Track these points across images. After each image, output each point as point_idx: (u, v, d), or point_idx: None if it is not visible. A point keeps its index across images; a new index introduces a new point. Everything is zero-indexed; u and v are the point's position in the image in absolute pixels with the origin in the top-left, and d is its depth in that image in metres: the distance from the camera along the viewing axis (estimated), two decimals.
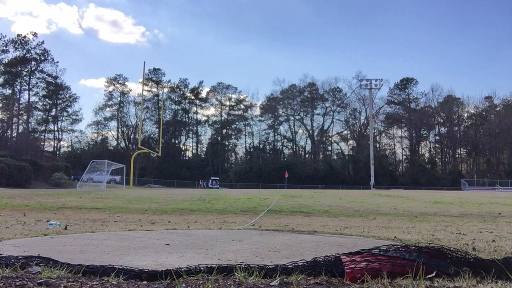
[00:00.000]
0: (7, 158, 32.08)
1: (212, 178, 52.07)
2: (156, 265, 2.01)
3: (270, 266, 1.76)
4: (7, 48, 57.14)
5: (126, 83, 67.96)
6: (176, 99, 70.08)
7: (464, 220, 6.90)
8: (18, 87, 58.63)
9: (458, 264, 1.73)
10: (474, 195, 18.49)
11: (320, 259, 1.81)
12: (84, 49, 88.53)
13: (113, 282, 1.58)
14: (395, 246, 1.83)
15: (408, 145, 69.74)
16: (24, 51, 58.04)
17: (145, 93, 62.07)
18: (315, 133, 69.96)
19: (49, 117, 61.14)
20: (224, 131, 70.19)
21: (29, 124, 59.13)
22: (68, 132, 63.33)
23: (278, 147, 70.26)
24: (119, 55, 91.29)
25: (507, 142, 63.05)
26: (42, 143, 60.40)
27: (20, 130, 58.52)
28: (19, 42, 57.86)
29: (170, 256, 2.37)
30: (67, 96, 62.27)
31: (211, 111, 71.64)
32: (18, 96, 58.36)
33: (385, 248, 1.81)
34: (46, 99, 61.01)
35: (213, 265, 1.76)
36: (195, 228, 4.62)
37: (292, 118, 69.68)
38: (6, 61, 57.00)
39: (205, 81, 72.70)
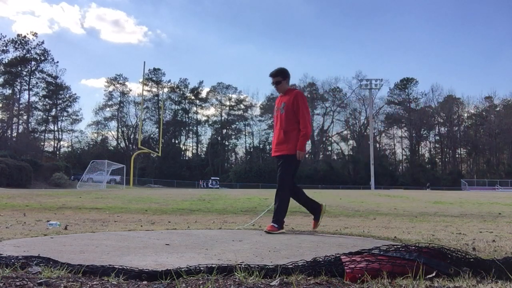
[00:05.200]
0: (7, 158, 32.08)
1: (212, 178, 52.06)
2: (156, 265, 2.01)
3: (270, 266, 1.76)
4: (7, 48, 57.19)
5: (126, 83, 68.07)
6: (176, 99, 70.11)
7: (464, 220, 6.90)
8: (18, 87, 58.67)
9: (458, 264, 1.73)
10: (474, 195, 18.49)
11: (320, 259, 1.81)
12: (85, 49, 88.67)
13: (113, 282, 1.58)
14: (395, 246, 1.83)
15: (408, 145, 69.76)
16: (24, 51, 58.11)
17: (145, 93, 62.12)
18: (315, 133, 69.94)
19: (49, 117, 61.17)
20: (224, 131, 70.22)
21: (29, 124, 59.15)
22: (68, 132, 63.42)
23: None
24: (120, 55, 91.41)
25: (507, 142, 63.04)
26: (42, 143, 60.43)
27: (20, 130, 58.57)
28: (19, 42, 57.91)
29: (170, 256, 2.37)
30: (67, 96, 62.37)
31: (211, 111, 71.61)
32: (18, 96, 58.41)
33: (385, 248, 1.81)
34: (46, 99, 61.05)
35: (213, 265, 1.76)
36: (195, 228, 4.61)
37: None
38: (6, 61, 57.06)
39: (205, 81, 72.92)
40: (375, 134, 66.67)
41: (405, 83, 69.61)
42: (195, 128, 70.88)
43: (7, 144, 50.96)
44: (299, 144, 4.13)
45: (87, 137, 65.72)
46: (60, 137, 62.62)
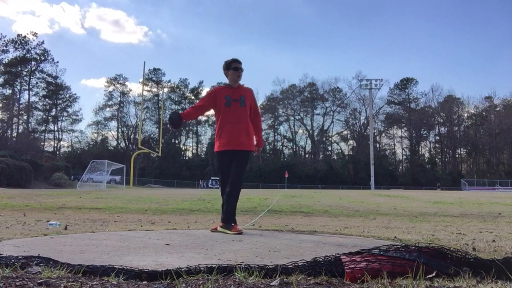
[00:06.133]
0: (7, 158, 32.06)
1: (212, 178, 52.04)
2: (156, 265, 2.01)
3: (270, 266, 1.76)
4: (7, 48, 57.20)
5: (126, 83, 68.08)
6: (176, 99, 70.10)
7: (464, 220, 6.90)
8: (18, 87, 58.69)
9: (458, 264, 1.73)
10: (474, 195, 18.49)
11: (320, 259, 1.81)
12: (86, 49, 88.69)
13: (113, 282, 1.58)
14: (395, 246, 1.83)
15: (408, 145, 69.77)
16: (24, 51, 58.10)
17: (145, 93, 62.13)
18: (315, 133, 70.00)
19: (49, 117, 61.18)
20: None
21: (29, 124, 59.17)
22: (68, 132, 63.44)
23: (278, 147, 70.28)
24: (121, 55, 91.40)
25: (507, 142, 63.06)
26: (42, 143, 60.44)
27: (20, 130, 58.59)
28: (19, 42, 57.92)
29: (170, 256, 2.37)
30: (67, 96, 62.41)
31: (211, 111, 71.48)
32: (18, 96, 58.43)
33: (385, 248, 1.81)
34: (46, 99, 61.06)
35: (213, 265, 1.76)
36: (195, 228, 4.62)
37: (292, 118, 69.73)
38: (6, 61, 57.04)
39: (205, 81, 72.79)
40: (375, 134, 66.67)
41: (405, 83, 69.62)
42: (195, 128, 70.87)
43: (7, 144, 50.97)
44: (261, 140, 4.25)
45: (87, 137, 65.82)
46: (60, 137, 62.71)
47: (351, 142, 71.55)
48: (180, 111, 4.38)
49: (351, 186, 52.10)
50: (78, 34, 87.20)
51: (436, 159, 69.89)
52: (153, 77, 68.46)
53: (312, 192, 21.28)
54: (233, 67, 4.15)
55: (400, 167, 70.16)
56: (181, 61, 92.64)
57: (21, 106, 58.88)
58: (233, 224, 3.96)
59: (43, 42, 59.88)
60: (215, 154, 4.25)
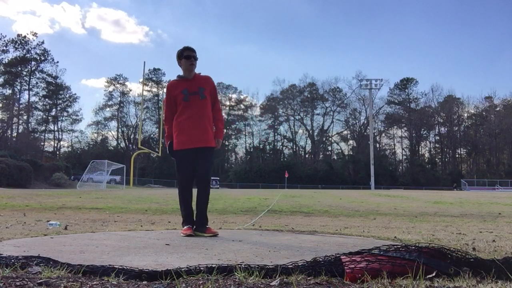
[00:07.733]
0: (7, 158, 32.05)
1: (212, 178, 51.81)
2: (156, 265, 2.01)
3: (270, 266, 1.76)
4: (7, 48, 57.20)
5: (126, 83, 68.03)
6: None
7: (464, 220, 6.90)
8: (18, 87, 58.69)
9: (458, 264, 1.73)
10: (474, 195, 18.49)
11: (320, 259, 1.81)
12: (86, 49, 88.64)
13: (113, 282, 1.58)
14: (395, 246, 1.83)
15: (408, 145, 69.75)
16: (24, 51, 58.11)
17: (145, 93, 62.06)
18: (315, 133, 69.98)
19: (49, 117, 61.18)
20: (224, 131, 70.09)
21: (29, 124, 59.16)
22: (68, 132, 63.42)
23: (278, 147, 70.27)
24: (121, 55, 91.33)
25: (507, 142, 63.06)
26: (42, 143, 60.44)
27: (20, 130, 58.59)
28: (19, 42, 57.93)
29: (170, 256, 2.37)
30: (67, 96, 62.41)
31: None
32: (18, 96, 58.42)
33: (385, 248, 1.81)
34: (46, 99, 61.06)
35: (213, 265, 1.76)
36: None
37: (292, 118, 69.70)
38: (6, 61, 57.04)
39: None
40: (375, 134, 66.66)
41: (405, 83, 69.60)
42: None
43: (7, 144, 50.98)
44: (221, 133, 3.94)
45: (87, 137, 65.79)
46: (60, 137, 62.70)
47: (351, 142, 71.58)
48: (168, 140, 3.94)
49: (351, 186, 52.09)
50: (79, 34, 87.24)
51: (436, 159, 69.87)
52: (153, 77, 68.45)
53: (312, 192, 21.29)
54: (185, 55, 3.77)
55: (400, 167, 70.15)
56: None
57: (21, 106, 58.90)
58: (207, 227, 3.76)
59: (43, 42, 59.92)
60: (173, 152, 3.84)
